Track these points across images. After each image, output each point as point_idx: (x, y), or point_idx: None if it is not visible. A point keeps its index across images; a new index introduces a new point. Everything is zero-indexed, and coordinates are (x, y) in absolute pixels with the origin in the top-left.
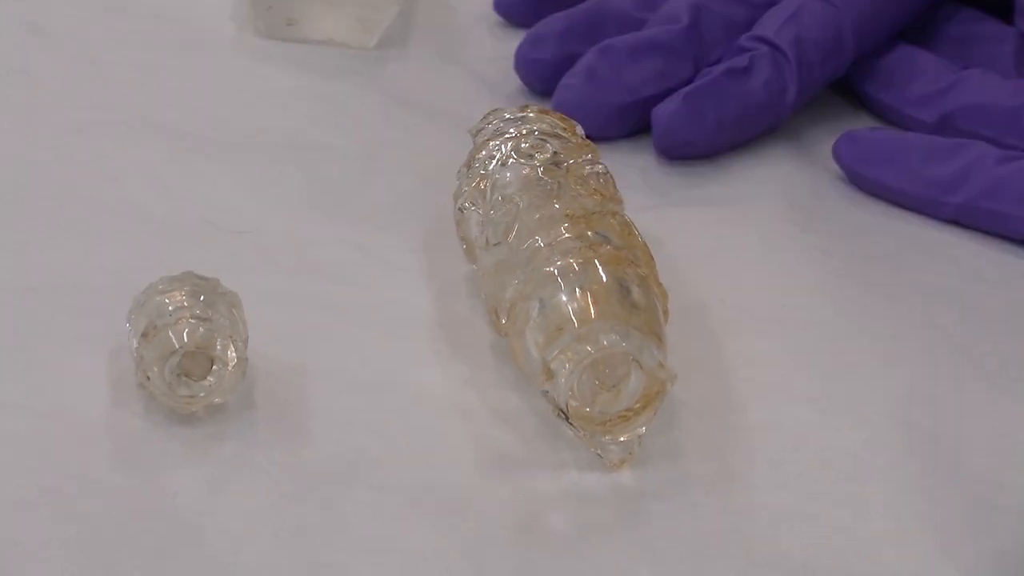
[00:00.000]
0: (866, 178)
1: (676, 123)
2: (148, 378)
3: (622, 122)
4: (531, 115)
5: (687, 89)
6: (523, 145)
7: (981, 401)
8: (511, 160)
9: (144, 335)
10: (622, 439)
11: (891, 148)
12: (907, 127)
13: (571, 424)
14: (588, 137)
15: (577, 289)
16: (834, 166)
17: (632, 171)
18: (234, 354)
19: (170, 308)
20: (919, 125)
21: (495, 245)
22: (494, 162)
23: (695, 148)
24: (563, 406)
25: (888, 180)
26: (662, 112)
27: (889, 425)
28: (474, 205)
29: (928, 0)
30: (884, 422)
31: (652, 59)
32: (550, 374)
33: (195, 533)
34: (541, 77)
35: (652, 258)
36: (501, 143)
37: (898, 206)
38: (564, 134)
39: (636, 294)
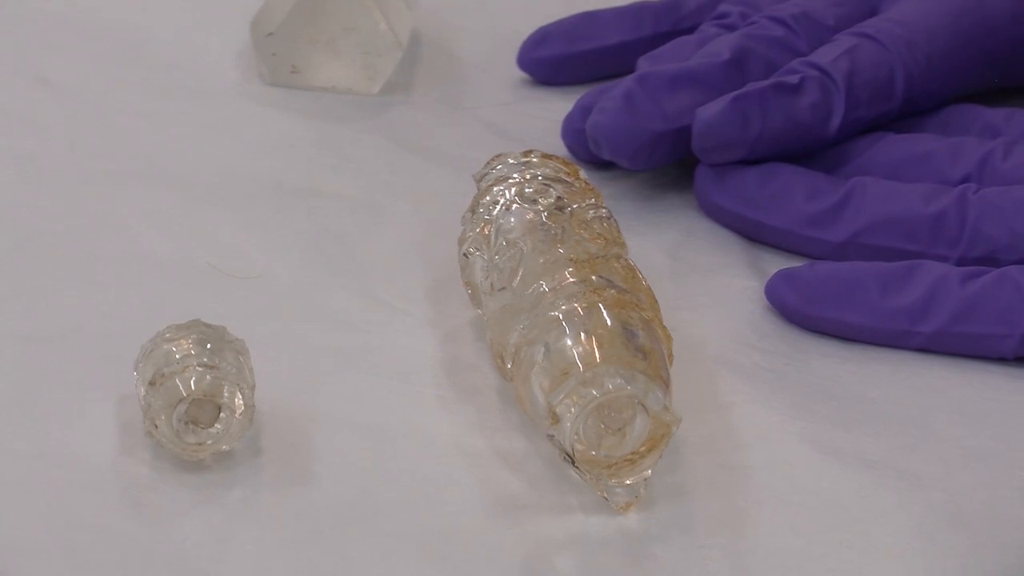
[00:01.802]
0: (820, 318)
1: (720, 123)
2: (156, 426)
3: (655, 151)
4: (535, 160)
5: (735, 93)
6: (527, 190)
7: (984, 440)
8: (515, 205)
9: (151, 383)
10: (628, 482)
11: (841, 282)
12: (805, 251)
13: (577, 467)
14: (619, 165)
15: (582, 333)
16: None
17: (633, 208)
18: (241, 401)
19: (177, 356)
20: (821, 247)
21: (500, 290)
22: (498, 207)
23: (733, 153)
24: (569, 450)
25: (848, 318)
26: (707, 111)
27: (894, 466)
28: (479, 250)
29: (985, 77)
30: (889, 463)
31: (691, 90)
32: (556, 418)
33: None
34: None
35: (656, 301)
36: (505, 188)
37: (854, 342)
38: (568, 179)
39: (641, 337)
